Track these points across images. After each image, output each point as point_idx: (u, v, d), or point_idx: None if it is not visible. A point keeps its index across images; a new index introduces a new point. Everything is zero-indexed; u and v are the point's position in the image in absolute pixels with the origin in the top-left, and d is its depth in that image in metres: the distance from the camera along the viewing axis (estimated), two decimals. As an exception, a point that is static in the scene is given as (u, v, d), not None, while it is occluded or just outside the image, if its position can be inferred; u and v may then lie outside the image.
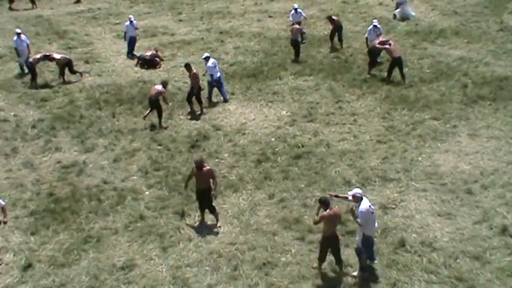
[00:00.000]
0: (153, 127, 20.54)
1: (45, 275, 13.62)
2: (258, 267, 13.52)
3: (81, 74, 25.17)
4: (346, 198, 13.23)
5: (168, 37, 29.88)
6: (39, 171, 18.14)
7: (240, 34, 30.51)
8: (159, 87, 20.80)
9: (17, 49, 25.67)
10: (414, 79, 23.47)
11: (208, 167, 14.92)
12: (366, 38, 25.70)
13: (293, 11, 28.26)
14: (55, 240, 14.78)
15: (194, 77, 21.36)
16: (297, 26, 26.45)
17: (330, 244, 12.96)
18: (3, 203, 13.92)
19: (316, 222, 12.92)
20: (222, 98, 22.53)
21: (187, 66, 21.61)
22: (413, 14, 31.63)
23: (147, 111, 20.82)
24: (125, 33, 28.08)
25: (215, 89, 22.46)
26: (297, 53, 26.39)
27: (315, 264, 13.32)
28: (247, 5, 36.19)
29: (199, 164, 14.66)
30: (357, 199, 12.69)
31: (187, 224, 15.24)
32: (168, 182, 17.13)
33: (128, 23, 27.75)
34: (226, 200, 16.11)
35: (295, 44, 26.37)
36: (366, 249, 12.89)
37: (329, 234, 12.86)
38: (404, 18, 31.15)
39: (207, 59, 22.21)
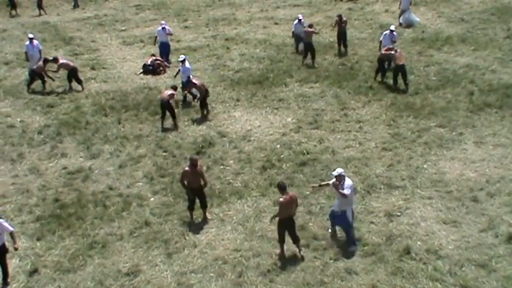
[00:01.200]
0: (159, 133, 20.65)
1: (51, 281, 13.68)
2: (262, 274, 13.55)
3: (82, 86, 25.19)
4: (328, 184, 14.61)
5: (174, 44, 30.02)
6: (45, 177, 18.25)
7: (245, 41, 30.64)
8: (170, 91, 21.15)
9: (27, 54, 25.87)
10: (420, 86, 23.51)
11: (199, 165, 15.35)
12: (380, 42, 25.72)
13: (296, 21, 28.31)
14: (61, 246, 14.86)
15: (198, 86, 21.57)
16: (310, 29, 26.57)
17: (286, 226, 13.89)
18: (11, 228, 13.42)
19: (278, 212, 13.81)
20: (226, 105, 22.66)
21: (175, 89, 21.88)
22: (417, 20, 31.70)
23: (162, 118, 21.08)
24: (156, 37, 28.22)
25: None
26: (313, 56, 26.53)
27: (278, 251, 14.15)
28: (253, 12, 36.34)
29: (196, 162, 15.01)
30: (341, 178, 13.86)
31: (192, 230, 15.30)
32: (173, 189, 17.20)
33: (160, 28, 27.88)
34: (231, 207, 16.16)
35: (311, 48, 26.54)
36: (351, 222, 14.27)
37: (285, 217, 13.79)
38: (409, 24, 31.25)
39: (183, 61, 22.81)
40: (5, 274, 13.54)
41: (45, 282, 13.65)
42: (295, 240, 14.03)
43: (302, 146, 19.33)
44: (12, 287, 13.50)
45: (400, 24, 31.28)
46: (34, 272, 13.96)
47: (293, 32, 28.66)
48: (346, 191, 13.82)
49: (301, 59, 26.87)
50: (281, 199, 13.59)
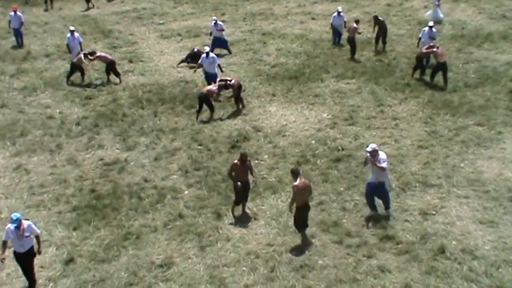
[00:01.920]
0: (195, 126, 20.74)
1: (86, 270, 13.86)
2: (295, 269, 13.52)
3: (119, 79, 25.42)
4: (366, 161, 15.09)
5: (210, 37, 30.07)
6: (82, 167, 18.48)
7: (282, 36, 30.55)
8: (212, 86, 21.42)
9: (69, 45, 26.30)
10: (458, 84, 23.16)
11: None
12: (419, 39, 25.43)
13: (335, 14, 28.18)
14: (96, 236, 15.04)
15: (233, 88, 21.63)
16: (354, 25, 26.49)
17: (304, 213, 14.34)
18: (39, 231, 13.37)
19: (293, 198, 14.14)
20: (261, 99, 22.69)
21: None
22: (441, 16, 31.11)
23: (197, 112, 21.26)
24: (210, 32, 28.42)
25: None
26: (353, 51, 26.47)
27: (296, 231, 14.59)
28: (291, 7, 36.20)
29: (245, 157, 15.28)
30: (375, 153, 14.56)
31: (225, 224, 15.34)
32: (207, 182, 17.26)
33: (212, 23, 28.07)
34: (264, 202, 16.15)
35: (352, 43, 26.47)
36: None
37: (301, 204, 14.19)
38: (435, 21, 30.79)
39: (207, 54, 23.06)
40: (32, 281, 13.33)
41: (80, 271, 13.83)
42: (306, 225, 14.59)
43: (337, 142, 19.21)
44: (48, 275, 13.71)
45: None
46: (70, 261, 14.16)
47: (331, 24, 28.57)
48: (385, 164, 14.59)
49: (339, 54, 26.74)
50: (295, 183, 13.95)
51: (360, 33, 27.03)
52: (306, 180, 14.48)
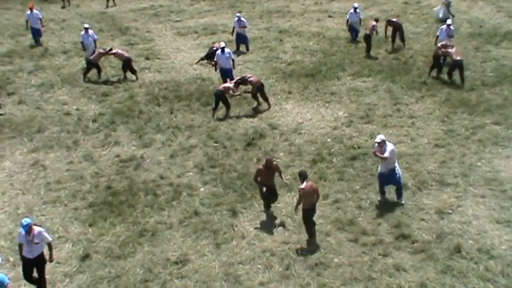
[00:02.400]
0: (211, 123, 20.76)
1: (102, 266, 13.95)
2: (310, 267, 13.51)
3: (136, 76, 25.43)
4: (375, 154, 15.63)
5: (228, 35, 30.08)
6: (98, 164, 18.57)
7: (299, 33, 30.47)
8: (228, 83, 21.48)
9: (83, 43, 26.40)
10: (476, 82, 22.98)
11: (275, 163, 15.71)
12: (437, 37, 25.25)
13: (352, 10, 28.14)
14: (112, 232, 15.12)
15: (253, 83, 21.61)
16: (374, 23, 26.45)
17: (311, 216, 14.34)
18: (50, 238, 13.09)
19: (299, 200, 14.25)
20: (277, 97, 22.67)
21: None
22: (449, 15, 30.97)
23: (214, 109, 21.28)
24: (233, 28, 28.50)
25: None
26: (368, 49, 26.49)
27: (308, 238, 14.46)
28: (307, 4, 36.10)
29: (270, 163, 15.33)
30: (383, 144, 15.25)
31: (240, 221, 15.35)
32: (223, 179, 17.28)
33: (236, 19, 28.15)
34: (280, 199, 16.12)
35: (368, 40, 26.45)
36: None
37: (307, 207, 14.19)
38: (444, 18, 30.67)
39: (223, 49, 23.03)
40: (42, 286, 13.16)
41: (96, 267, 13.92)
42: (314, 224, 14.59)
43: (353, 140, 19.16)
44: (65, 271, 13.80)
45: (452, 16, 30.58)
46: (86, 257, 14.26)
47: (347, 21, 28.54)
48: (386, 154, 15.18)
49: (355, 51, 26.69)
50: (302, 186, 14.00)
51: (377, 33, 26.94)
52: (313, 184, 14.52)
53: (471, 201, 15.57)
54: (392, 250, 13.89)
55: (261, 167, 15.45)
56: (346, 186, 16.59)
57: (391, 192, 15.91)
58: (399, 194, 15.68)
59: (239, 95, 21.83)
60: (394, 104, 21.60)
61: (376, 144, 15.45)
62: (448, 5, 30.83)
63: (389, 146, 15.39)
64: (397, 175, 15.53)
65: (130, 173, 18.00)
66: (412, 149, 18.38)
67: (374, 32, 26.53)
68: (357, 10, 28.08)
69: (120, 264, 13.99)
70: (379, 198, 15.86)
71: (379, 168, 15.75)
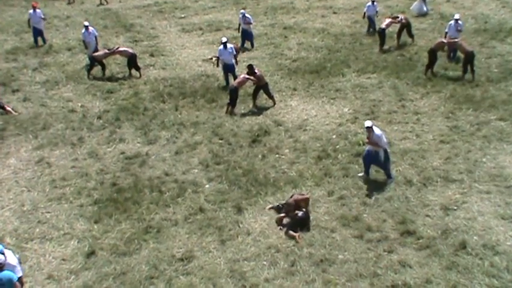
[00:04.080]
0: (216, 120, 20.78)
1: (107, 263, 13.96)
2: (315, 264, 13.52)
3: (140, 73, 25.41)
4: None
5: (232, 31, 30.11)
6: (103, 161, 18.61)
7: (303, 30, 30.50)
8: (240, 78, 21.55)
9: (85, 42, 26.39)
10: (481, 78, 22.94)
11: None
12: (446, 33, 25.21)
13: (369, 3, 28.35)
14: (117, 229, 15.14)
15: (258, 79, 21.53)
16: (390, 19, 26.56)
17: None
18: (17, 275, 11.34)
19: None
20: (282, 93, 22.66)
21: (250, 68, 21.74)
22: (425, 9, 31.13)
23: (229, 104, 21.33)
24: (239, 25, 28.59)
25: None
26: (382, 43, 26.58)
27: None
28: (312, 1, 36.13)
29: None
30: (370, 130, 15.88)
31: (246, 218, 15.36)
32: (228, 176, 17.30)
33: (240, 16, 28.24)
34: (285, 196, 16.11)
35: (382, 34, 26.56)
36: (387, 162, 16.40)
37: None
38: (420, 14, 30.77)
39: (225, 44, 23.00)
40: None
41: (101, 264, 13.94)
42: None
43: (358, 136, 19.14)
44: (70, 268, 13.84)
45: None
46: (91, 253, 14.27)
47: (364, 13, 28.65)
48: (375, 138, 15.94)
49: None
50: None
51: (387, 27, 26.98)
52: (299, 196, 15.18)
53: (476, 197, 15.56)
54: (398, 246, 13.89)
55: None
56: (351, 183, 16.59)
57: (396, 189, 15.93)
58: (387, 175, 16.50)
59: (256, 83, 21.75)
60: (399, 100, 21.59)
61: (366, 129, 16.17)
62: (424, 1, 30.95)
63: (377, 131, 16.07)
64: (382, 158, 16.17)
65: (135, 169, 18.03)
66: (417, 145, 18.38)
67: (388, 27, 26.61)
68: (375, 3, 28.30)
69: (126, 260, 14.01)
70: (359, 174, 16.75)
71: (367, 147, 16.58)
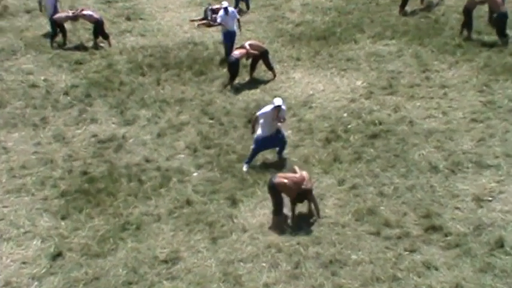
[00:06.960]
0: (205, 96, 20.75)
1: (77, 266, 13.96)
2: (323, 266, 13.53)
3: (109, 41, 25.33)
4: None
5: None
6: (71, 145, 18.59)
7: (309, -12, 30.37)
8: (241, 49, 21.56)
9: (40, 4, 26.11)
10: (522, 45, 22.93)
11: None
12: None
13: None
14: (88, 226, 15.14)
15: (254, 48, 21.60)
16: None
17: None
18: None
19: None
20: (284, 64, 22.64)
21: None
22: None
23: (231, 79, 21.47)
24: None
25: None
26: (404, 2, 26.54)
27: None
28: (319, -47, 35.93)
29: None
30: (279, 108, 16.68)
31: (241, 212, 15.38)
32: (220, 162, 17.30)
33: None
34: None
35: None
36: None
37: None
38: None
39: (226, 9, 23.00)
40: None
41: (70, 267, 13.93)
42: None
43: (374, 115, 19.14)
44: (32, 272, 13.83)
45: None
46: (58, 255, 14.26)
47: None
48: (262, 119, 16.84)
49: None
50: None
51: None
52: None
53: (515, 186, 15.61)
54: (421, 245, 13.90)
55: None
56: (365, 170, 16.59)
57: (419, 177, 15.91)
58: (280, 150, 17.40)
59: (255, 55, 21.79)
60: (423, 72, 21.57)
61: (274, 107, 16.69)
62: None
63: (284, 107, 17.07)
64: (283, 132, 17.33)
65: (110, 155, 18.02)
66: (444, 125, 18.37)
67: None
68: None
69: (99, 263, 14.01)
70: (244, 169, 16.90)
71: (259, 132, 16.96)
